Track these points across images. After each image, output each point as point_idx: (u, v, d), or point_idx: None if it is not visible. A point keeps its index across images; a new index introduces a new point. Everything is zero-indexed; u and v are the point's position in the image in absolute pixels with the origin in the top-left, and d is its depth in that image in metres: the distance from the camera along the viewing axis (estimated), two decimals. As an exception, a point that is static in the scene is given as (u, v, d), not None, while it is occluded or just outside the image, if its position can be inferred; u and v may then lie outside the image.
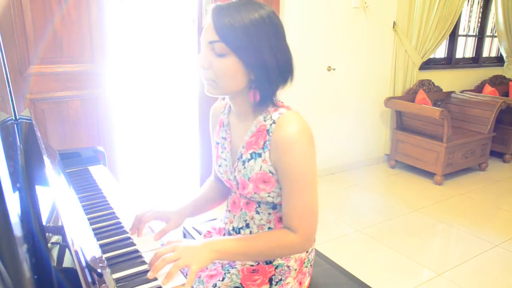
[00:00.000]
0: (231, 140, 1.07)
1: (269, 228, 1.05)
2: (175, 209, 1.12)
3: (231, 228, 1.11)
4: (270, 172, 0.97)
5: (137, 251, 0.95)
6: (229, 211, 1.13)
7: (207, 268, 1.08)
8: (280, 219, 1.05)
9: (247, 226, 1.07)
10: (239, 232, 1.09)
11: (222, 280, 1.02)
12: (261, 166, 0.98)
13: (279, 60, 0.92)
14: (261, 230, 1.06)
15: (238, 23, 0.88)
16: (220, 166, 1.09)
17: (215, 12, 0.90)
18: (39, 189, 0.76)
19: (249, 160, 0.99)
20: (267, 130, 0.96)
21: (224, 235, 1.15)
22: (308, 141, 0.94)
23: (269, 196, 1.00)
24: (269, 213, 1.04)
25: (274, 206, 1.04)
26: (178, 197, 3.05)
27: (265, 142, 0.97)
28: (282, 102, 1.01)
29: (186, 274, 0.86)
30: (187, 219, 1.17)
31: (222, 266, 1.07)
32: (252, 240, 0.96)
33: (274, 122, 0.96)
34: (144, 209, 1.09)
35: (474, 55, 4.84)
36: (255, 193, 1.00)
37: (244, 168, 1.00)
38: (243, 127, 1.03)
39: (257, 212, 1.05)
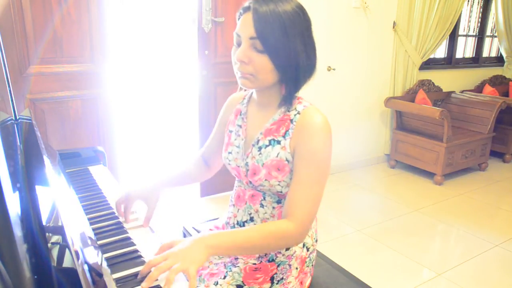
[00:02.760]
0: (247, 128, 1.08)
1: None
2: (150, 184, 1.15)
3: (235, 222, 1.11)
4: (287, 159, 0.98)
5: (137, 251, 0.95)
6: (234, 205, 1.13)
7: (208, 267, 1.08)
8: None
9: (251, 219, 1.08)
10: (243, 226, 1.09)
11: (224, 278, 1.02)
12: (278, 153, 0.99)
13: (309, 56, 0.97)
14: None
15: (277, 22, 0.89)
16: (230, 153, 1.10)
17: (255, 7, 0.91)
18: (39, 189, 0.76)
19: (266, 146, 1.01)
20: (291, 120, 1.00)
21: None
22: (329, 134, 0.97)
23: (278, 184, 1.00)
24: (273, 207, 1.05)
25: (279, 200, 1.04)
26: (178, 196, 3.05)
27: (287, 131, 0.99)
28: (303, 98, 1.04)
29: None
30: (187, 219, 1.17)
31: (224, 265, 1.07)
32: (246, 232, 0.92)
33: (298, 113, 0.99)
34: (121, 194, 1.12)
35: (474, 55, 4.84)
36: (265, 180, 1.01)
37: (260, 154, 1.01)
38: (262, 116, 1.05)
39: (262, 206, 1.05)
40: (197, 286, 1.03)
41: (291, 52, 0.92)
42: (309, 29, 0.96)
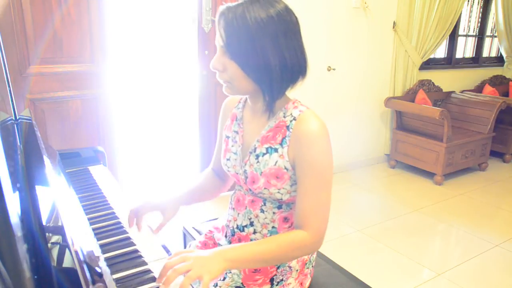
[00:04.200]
0: (243, 134, 1.07)
1: (273, 227, 1.04)
2: (169, 198, 1.12)
3: (235, 226, 1.10)
4: (285, 167, 0.97)
5: (137, 251, 0.95)
6: (233, 208, 1.12)
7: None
8: (284, 219, 1.04)
9: (251, 224, 1.07)
10: (243, 230, 1.08)
11: (223, 279, 1.02)
12: (276, 161, 0.97)
13: (288, 59, 0.91)
14: (264, 228, 1.05)
15: (242, 28, 0.87)
16: (228, 160, 1.08)
17: (222, 16, 0.90)
18: (39, 189, 0.76)
19: (264, 154, 0.99)
20: (287, 126, 0.97)
21: (226, 233, 1.15)
22: (328, 139, 0.95)
23: (278, 192, 0.99)
24: (273, 212, 1.04)
25: (280, 206, 1.04)
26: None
27: (284, 138, 0.97)
28: (299, 101, 1.02)
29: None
30: (187, 219, 1.16)
31: (224, 266, 1.06)
32: (264, 245, 0.91)
33: (294, 119, 0.97)
34: (138, 203, 1.10)
35: (474, 55, 4.84)
36: (265, 188, 0.99)
37: (257, 162, 1.00)
38: (258, 122, 1.04)
39: (262, 211, 1.04)
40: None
41: (259, 58, 0.89)
42: (288, 32, 0.91)
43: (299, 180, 0.96)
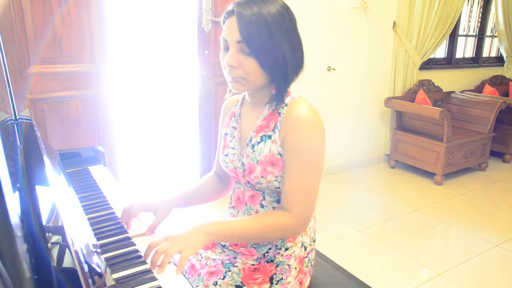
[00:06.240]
0: (241, 129, 1.09)
1: None
2: (163, 199, 1.13)
3: None
4: (279, 153, 0.98)
5: (137, 251, 0.95)
6: (233, 207, 1.13)
7: (206, 265, 1.08)
8: None
9: None
10: None
11: (223, 278, 1.02)
12: (270, 148, 0.99)
13: (297, 54, 0.96)
14: None
15: (262, 24, 0.89)
16: (226, 155, 1.10)
17: (238, 13, 0.90)
18: (39, 189, 0.76)
19: (258, 143, 1.01)
20: (279, 113, 0.99)
21: None
22: (318, 123, 0.96)
23: (276, 180, 1.00)
24: (273, 207, 1.05)
25: (279, 200, 1.05)
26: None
27: (276, 124, 0.99)
28: (293, 92, 1.04)
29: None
30: (187, 219, 1.17)
31: (222, 263, 1.07)
32: (246, 222, 0.95)
33: (286, 105, 0.99)
34: (131, 202, 1.10)
35: (474, 55, 4.84)
36: (262, 176, 1.00)
37: (253, 151, 1.02)
38: (255, 115, 1.05)
39: (262, 206, 1.06)
40: (197, 286, 1.03)
41: (279, 53, 0.92)
42: (295, 28, 0.95)
43: (285, 162, 0.97)
